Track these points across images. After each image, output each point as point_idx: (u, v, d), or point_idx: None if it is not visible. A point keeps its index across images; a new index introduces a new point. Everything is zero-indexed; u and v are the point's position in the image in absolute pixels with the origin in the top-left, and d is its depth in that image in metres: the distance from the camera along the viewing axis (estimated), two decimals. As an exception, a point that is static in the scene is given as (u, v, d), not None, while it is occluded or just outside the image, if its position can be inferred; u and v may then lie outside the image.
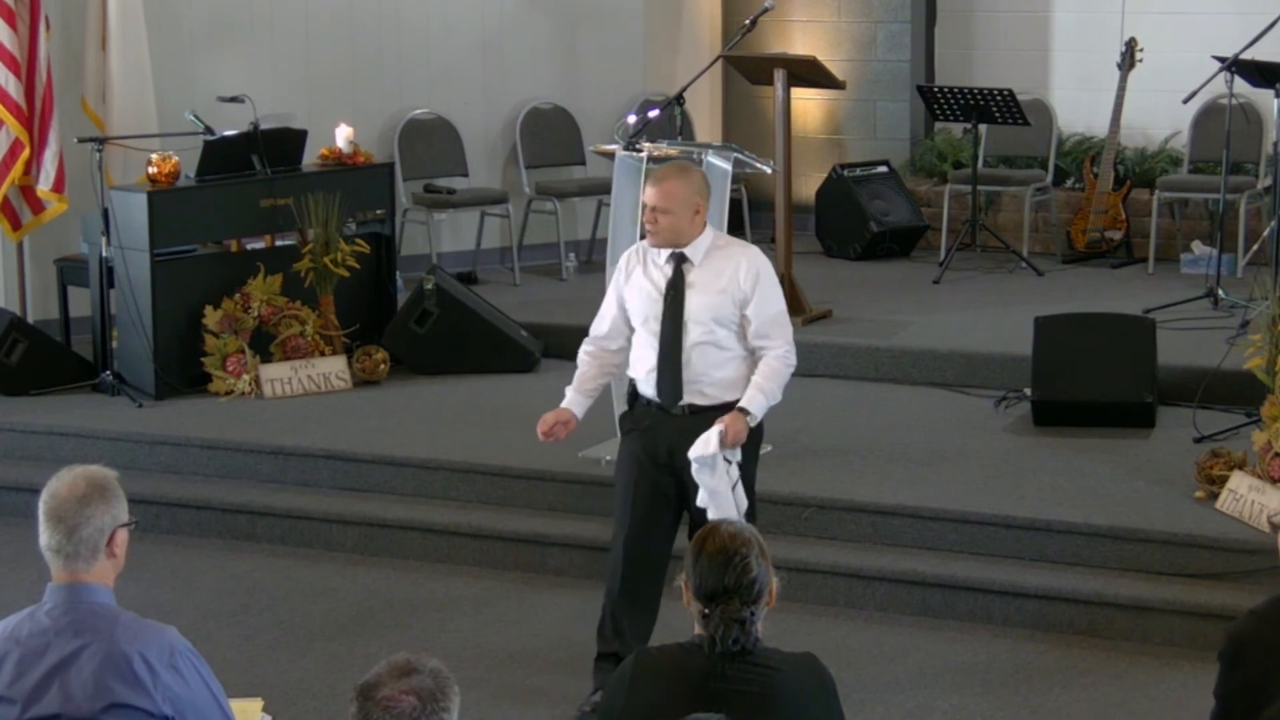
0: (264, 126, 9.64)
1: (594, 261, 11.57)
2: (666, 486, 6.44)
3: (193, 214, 9.56)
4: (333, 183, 9.78)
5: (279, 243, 9.85)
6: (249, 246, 9.87)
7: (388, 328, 9.94)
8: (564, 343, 9.95)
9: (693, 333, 6.32)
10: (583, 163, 12.10)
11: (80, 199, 9.88)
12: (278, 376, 9.43)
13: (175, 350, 9.42)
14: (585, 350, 6.63)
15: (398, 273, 10.43)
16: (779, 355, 6.38)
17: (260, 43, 11.17)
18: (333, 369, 9.54)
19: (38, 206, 10.08)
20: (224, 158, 9.58)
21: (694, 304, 6.33)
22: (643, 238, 6.52)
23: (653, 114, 8.33)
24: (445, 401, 9.35)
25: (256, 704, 4.96)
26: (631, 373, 6.54)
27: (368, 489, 8.37)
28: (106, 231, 9.34)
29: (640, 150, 7.90)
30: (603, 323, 6.60)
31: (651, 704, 4.09)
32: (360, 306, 9.93)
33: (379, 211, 10.19)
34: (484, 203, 11.69)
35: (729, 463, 6.26)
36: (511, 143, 12.07)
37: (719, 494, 6.26)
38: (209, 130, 9.57)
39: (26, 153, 9.83)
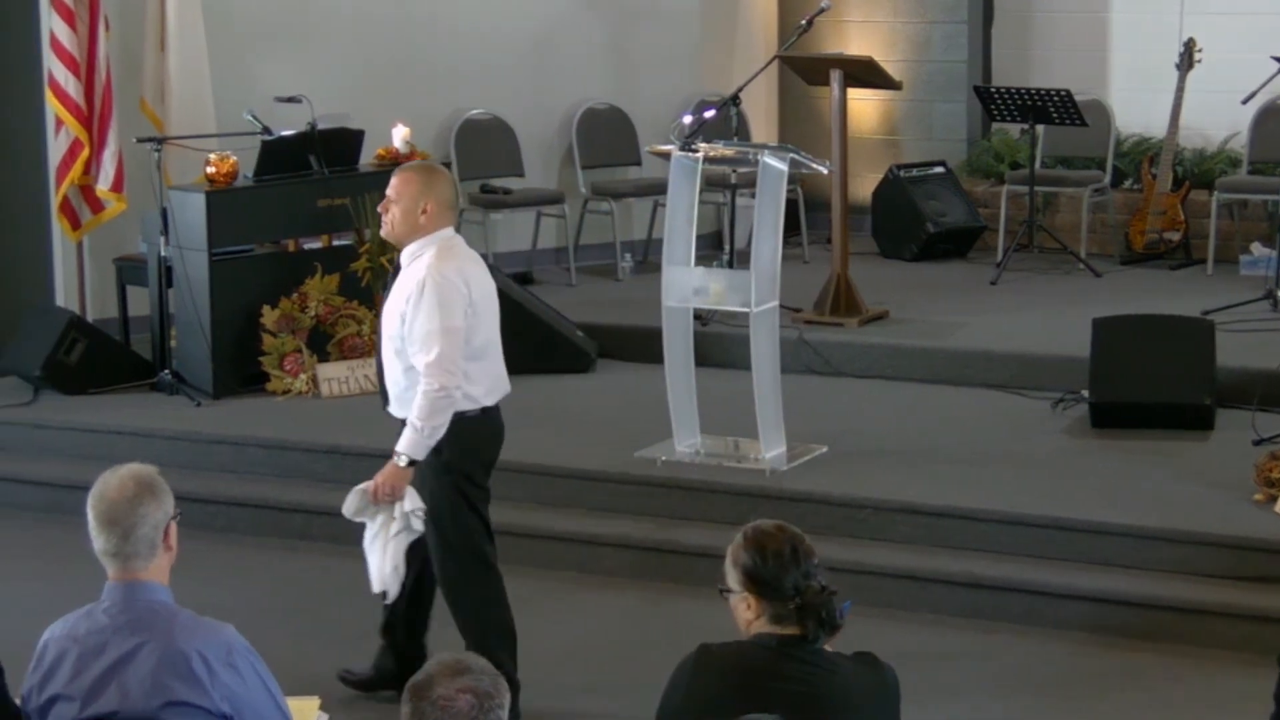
0: (321, 127, 9.67)
1: (650, 262, 11.57)
2: None
3: (250, 214, 9.61)
4: (389, 183, 9.77)
5: (336, 242, 9.87)
6: (306, 246, 9.90)
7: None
8: (620, 343, 9.99)
9: (385, 343, 6.27)
10: (638, 163, 12.10)
11: (139, 199, 9.93)
12: (335, 376, 9.46)
13: (233, 349, 9.46)
14: None
15: (454, 272, 10.43)
16: (424, 382, 6.08)
17: (318, 42, 11.21)
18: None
19: (97, 206, 10.14)
20: (281, 158, 9.61)
21: (385, 314, 6.26)
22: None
23: (708, 114, 8.35)
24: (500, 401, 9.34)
25: (313, 702, 4.98)
26: None
27: (423, 488, 8.39)
28: (165, 231, 9.39)
29: (696, 151, 7.90)
30: None
31: (711, 699, 4.09)
32: (416, 306, 9.93)
33: (435, 211, 10.20)
34: (540, 203, 11.70)
35: (407, 515, 6.17)
36: (567, 143, 12.08)
37: (372, 549, 6.23)
38: (267, 130, 9.60)
39: (86, 152, 9.90)
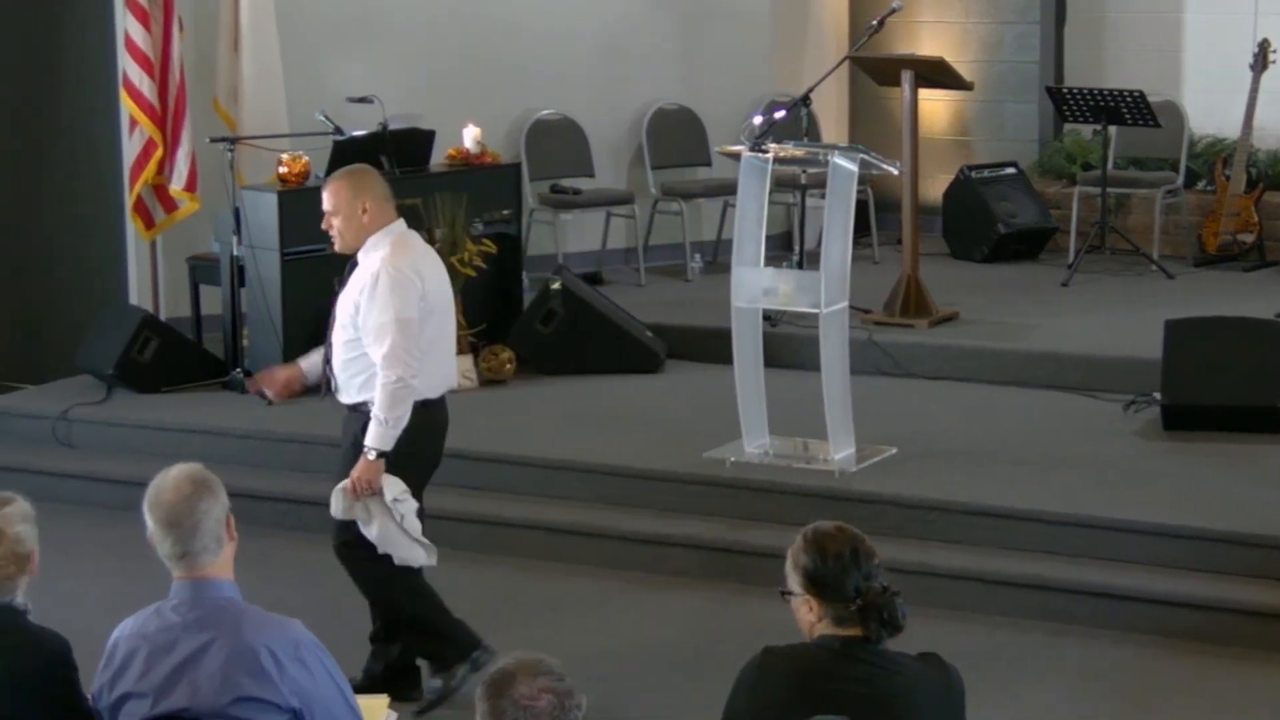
0: (392, 127, 9.71)
1: (719, 262, 11.56)
2: None
3: (321, 214, 9.61)
4: (460, 183, 9.84)
5: (406, 242, 9.90)
6: (376, 246, 9.93)
7: (513, 327, 9.99)
8: (689, 343, 9.99)
9: (336, 330, 6.37)
10: (708, 163, 12.10)
11: (212, 198, 10.00)
12: (404, 375, 9.48)
13: (304, 348, 9.34)
14: None
15: (524, 273, 10.47)
16: (382, 375, 6.19)
17: (390, 43, 11.25)
18: (459, 368, 9.58)
19: (170, 206, 10.21)
20: (353, 158, 9.61)
21: (339, 301, 6.38)
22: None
23: (779, 115, 8.33)
24: (569, 401, 9.38)
25: (382, 701, 5.00)
26: None
27: (491, 487, 8.41)
28: (237, 230, 9.45)
29: (766, 151, 7.90)
30: None
31: (775, 702, 4.09)
32: (486, 306, 9.97)
33: (505, 211, 10.24)
34: (610, 203, 11.72)
35: (390, 505, 6.26)
36: (637, 143, 12.09)
37: (390, 540, 6.31)
38: (338, 130, 9.64)
39: (160, 152, 9.96)
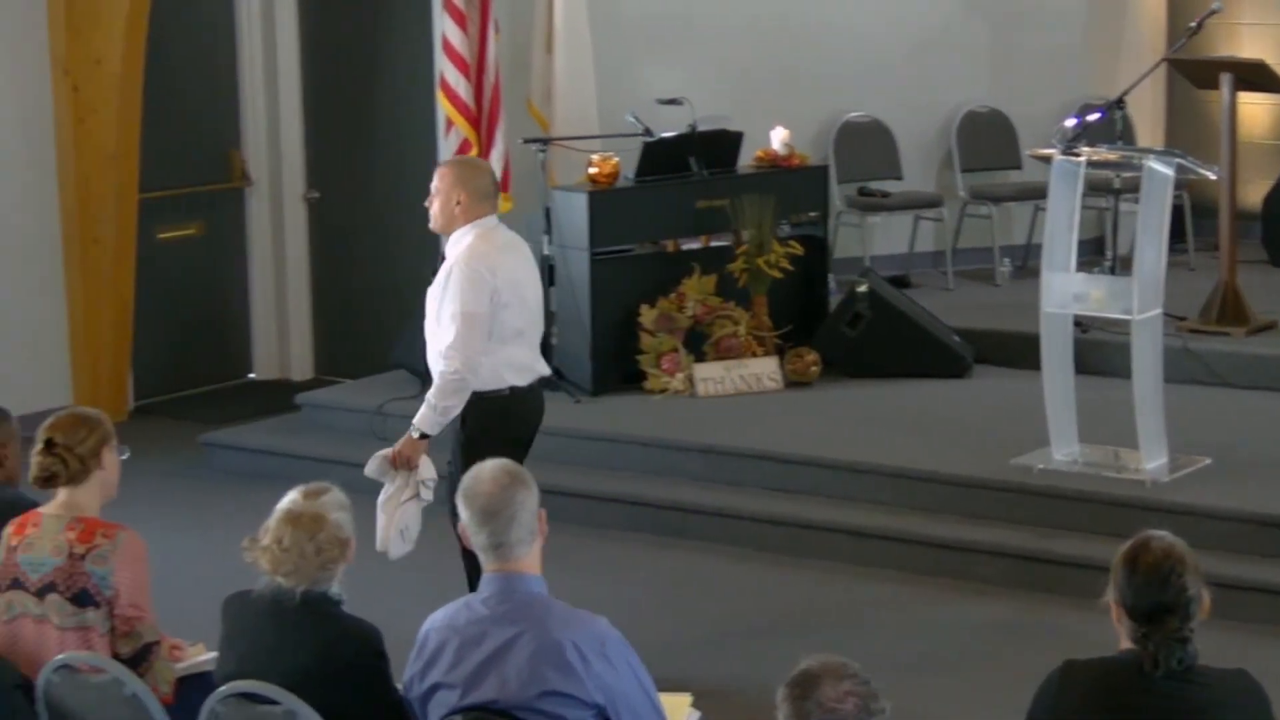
0: (702, 129, 9.76)
1: (1029, 267, 11.41)
2: None
3: (631, 214, 9.74)
4: (768, 184, 9.86)
5: (714, 243, 9.96)
6: (684, 247, 10.00)
7: (819, 330, 9.97)
8: (997, 348, 9.88)
9: (429, 321, 6.59)
10: (1019, 166, 11.94)
11: (524, 198, 10.14)
12: (710, 376, 9.54)
13: (612, 347, 9.60)
14: None
15: (830, 275, 10.46)
16: (442, 363, 6.44)
17: (698, 45, 11.31)
18: (764, 369, 9.61)
19: (484, 205, 10.37)
20: (662, 159, 9.73)
21: (429, 293, 6.59)
22: None
23: (1092, 118, 8.20)
24: (875, 405, 9.34)
25: (685, 699, 5.02)
26: None
27: (796, 490, 8.41)
28: (548, 230, 9.58)
29: (1079, 155, 7.78)
30: None
31: (1077, 715, 4.04)
32: (792, 308, 9.97)
33: (813, 214, 10.24)
34: (918, 206, 11.64)
35: (415, 484, 6.48)
36: (946, 146, 11.99)
37: (388, 510, 6.48)
38: (648, 132, 9.72)
39: (474, 152, 10.12)
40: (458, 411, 6.47)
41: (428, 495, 6.55)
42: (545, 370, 6.79)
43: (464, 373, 6.41)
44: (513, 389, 6.57)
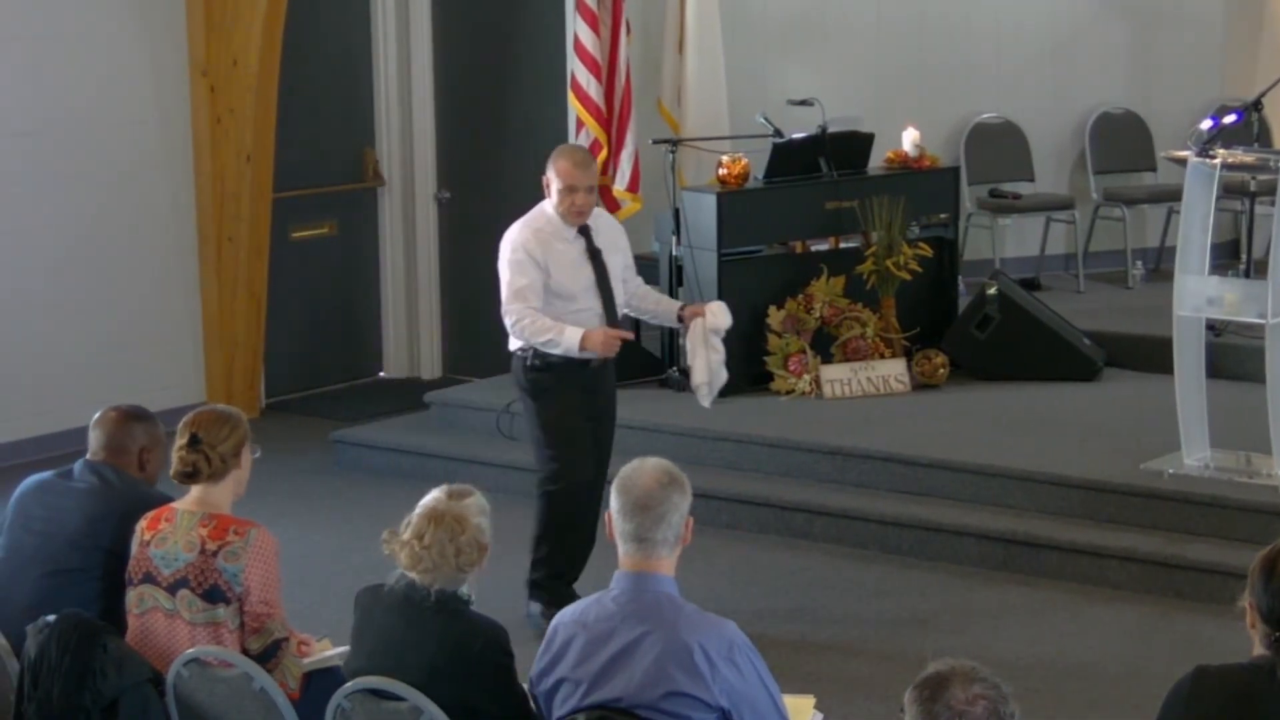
0: (832, 130, 9.74)
1: (1162, 270, 11.30)
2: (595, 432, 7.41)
3: (760, 215, 9.74)
4: (898, 186, 9.82)
5: (843, 245, 9.94)
6: (813, 248, 9.98)
7: (948, 332, 9.93)
8: (1128, 352, 9.79)
9: (618, 288, 7.34)
10: (1153, 169, 11.83)
11: (653, 199, 10.17)
12: (837, 377, 9.52)
13: (739, 348, 9.54)
14: (532, 307, 7.14)
15: (960, 277, 10.41)
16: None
17: (829, 45, 11.30)
18: (892, 371, 9.58)
19: (613, 206, 10.39)
20: (791, 160, 9.71)
21: (613, 264, 7.33)
22: None
23: (1229, 119, 8.11)
24: (1004, 407, 9.28)
25: (808, 701, 5.01)
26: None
27: (924, 492, 8.38)
28: (676, 231, 9.59)
29: (1214, 157, 7.70)
30: (535, 297, 7.15)
31: (1207, 721, 3.99)
32: (921, 310, 9.93)
33: (943, 215, 10.19)
34: (1050, 208, 11.56)
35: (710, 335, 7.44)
36: (1080, 148, 11.90)
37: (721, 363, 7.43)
38: (778, 133, 9.71)
39: (605, 153, 10.16)
40: (557, 342, 7.12)
41: (717, 344, 7.44)
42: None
43: (511, 325, 7.20)
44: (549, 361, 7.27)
